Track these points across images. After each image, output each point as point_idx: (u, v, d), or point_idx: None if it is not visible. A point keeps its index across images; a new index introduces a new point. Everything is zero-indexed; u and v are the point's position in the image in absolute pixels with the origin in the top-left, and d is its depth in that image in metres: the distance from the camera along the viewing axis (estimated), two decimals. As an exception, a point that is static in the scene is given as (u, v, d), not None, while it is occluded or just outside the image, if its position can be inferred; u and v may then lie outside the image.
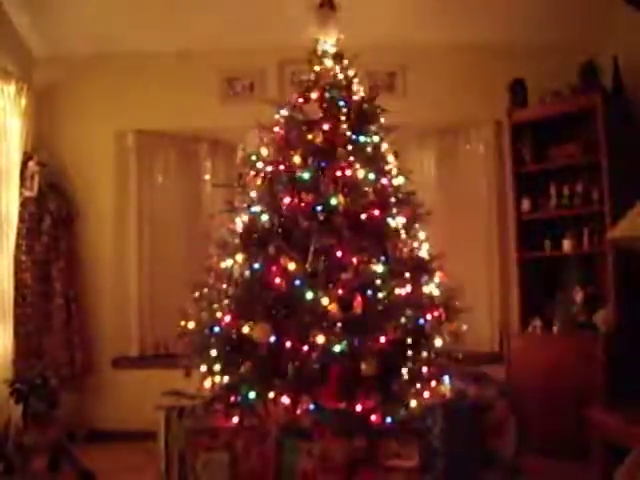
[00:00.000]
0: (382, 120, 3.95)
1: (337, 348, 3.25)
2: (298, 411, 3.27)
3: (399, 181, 3.86)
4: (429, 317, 3.60)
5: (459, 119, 5.23)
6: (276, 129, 3.87)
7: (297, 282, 3.40)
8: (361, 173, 3.65)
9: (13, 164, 4.75)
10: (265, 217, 3.63)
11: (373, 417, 3.26)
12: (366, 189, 3.65)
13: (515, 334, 4.83)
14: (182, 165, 5.54)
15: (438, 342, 3.61)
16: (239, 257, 3.61)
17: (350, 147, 3.71)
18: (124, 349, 5.23)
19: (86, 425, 5.00)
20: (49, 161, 5.11)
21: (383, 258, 3.57)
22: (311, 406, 3.27)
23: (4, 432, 4.08)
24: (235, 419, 3.39)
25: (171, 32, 5.05)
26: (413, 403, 3.38)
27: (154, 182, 5.46)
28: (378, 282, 3.45)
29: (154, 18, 4.92)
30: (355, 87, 3.97)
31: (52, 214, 5.01)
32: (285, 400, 3.29)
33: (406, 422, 3.35)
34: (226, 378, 3.49)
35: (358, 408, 3.25)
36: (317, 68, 3.99)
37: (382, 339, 3.34)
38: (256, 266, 3.54)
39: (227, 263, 3.67)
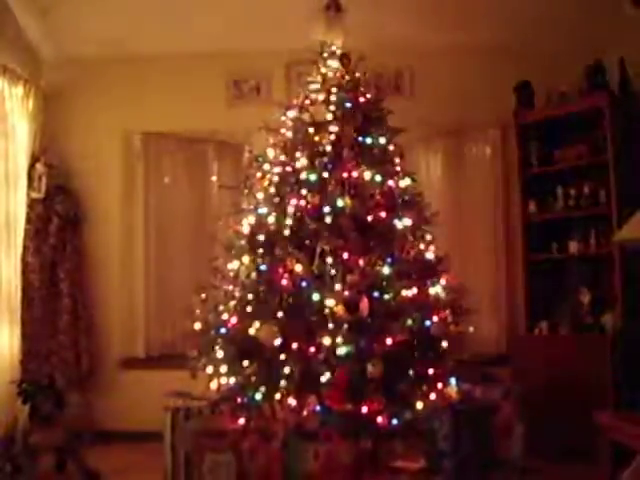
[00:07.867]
0: (388, 122, 3.96)
1: (343, 350, 3.26)
2: (304, 413, 3.28)
3: (406, 183, 3.87)
4: (435, 319, 3.60)
5: (466, 121, 5.22)
6: (283, 131, 3.89)
7: (303, 284, 3.41)
8: (368, 175, 3.65)
9: (21, 166, 4.77)
10: (272, 219, 3.63)
11: (379, 419, 3.26)
12: (373, 191, 3.66)
13: (522, 336, 4.82)
14: (189, 167, 5.54)
15: (444, 344, 3.61)
16: (246, 259, 3.62)
17: (357, 149, 3.71)
18: (130, 350, 5.23)
19: (92, 426, 5.01)
20: (56, 163, 5.13)
21: (389, 260, 3.57)
22: (317, 408, 3.27)
23: (11, 432, 4.10)
24: (241, 420, 3.39)
25: (178, 34, 5.07)
26: (419, 405, 3.37)
27: (161, 184, 5.45)
28: (384, 284, 3.45)
29: (161, 20, 4.93)
30: (362, 89, 3.98)
31: (59, 216, 5.02)
32: (291, 402, 3.29)
33: (412, 424, 3.35)
34: (232, 379, 3.50)
35: (364, 410, 3.25)
36: (324, 70, 4.00)
37: (388, 341, 3.34)
38: (263, 268, 3.55)
39: (234, 265, 3.68)
